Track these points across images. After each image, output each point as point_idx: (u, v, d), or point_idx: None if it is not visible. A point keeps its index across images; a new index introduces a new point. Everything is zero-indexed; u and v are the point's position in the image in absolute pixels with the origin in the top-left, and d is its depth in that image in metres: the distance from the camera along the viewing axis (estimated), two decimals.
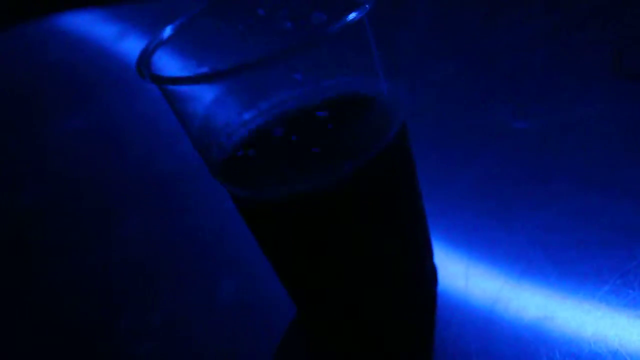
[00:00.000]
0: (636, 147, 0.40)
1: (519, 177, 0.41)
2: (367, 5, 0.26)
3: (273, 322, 0.37)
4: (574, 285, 0.33)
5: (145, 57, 0.29)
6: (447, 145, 0.32)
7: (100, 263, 0.47)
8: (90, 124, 0.68)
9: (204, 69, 0.31)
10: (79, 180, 0.58)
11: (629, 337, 0.30)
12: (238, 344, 0.37)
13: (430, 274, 0.36)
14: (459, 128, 0.46)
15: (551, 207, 0.38)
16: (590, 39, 0.52)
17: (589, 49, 0.51)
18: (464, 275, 0.35)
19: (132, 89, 0.71)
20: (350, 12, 0.26)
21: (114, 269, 0.46)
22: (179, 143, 0.58)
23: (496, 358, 0.31)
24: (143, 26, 0.84)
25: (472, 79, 0.53)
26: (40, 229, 0.54)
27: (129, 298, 0.43)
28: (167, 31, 0.31)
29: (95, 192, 0.56)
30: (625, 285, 0.32)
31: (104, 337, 0.41)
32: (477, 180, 0.42)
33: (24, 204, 0.58)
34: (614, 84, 0.46)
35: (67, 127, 0.68)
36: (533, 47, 0.54)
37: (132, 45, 0.81)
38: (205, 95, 0.29)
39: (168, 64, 0.30)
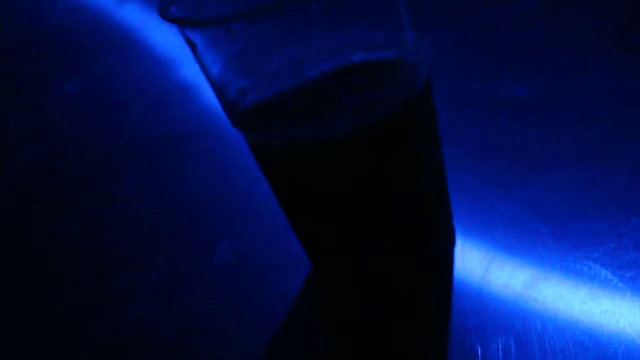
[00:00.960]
0: (635, 118, 0.41)
1: (518, 144, 0.42)
2: None
3: (271, 282, 0.38)
4: (569, 247, 0.34)
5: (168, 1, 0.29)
6: (447, 111, 0.32)
7: (96, 223, 0.47)
8: (87, 88, 0.67)
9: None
10: (76, 142, 0.58)
11: (621, 298, 0.30)
12: (235, 304, 0.37)
13: (449, 234, 0.36)
14: (459, 96, 0.46)
15: (548, 174, 0.38)
16: (592, 13, 0.52)
17: (591, 22, 0.51)
18: (460, 237, 0.36)
19: (129, 54, 0.70)
20: None
21: (110, 229, 0.47)
22: (175, 107, 0.59)
23: (490, 316, 0.31)
24: None
25: (472, 49, 0.53)
26: (37, 190, 0.54)
27: (126, 258, 0.43)
28: None
29: (92, 154, 0.56)
30: (620, 248, 0.33)
31: (101, 297, 0.41)
32: (477, 146, 0.42)
33: (21, 165, 0.58)
34: (615, 57, 0.47)
35: (64, 90, 0.68)
36: (535, 20, 0.54)
37: (131, 12, 0.81)
38: (224, 43, 0.29)
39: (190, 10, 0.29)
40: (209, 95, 0.32)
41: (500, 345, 0.30)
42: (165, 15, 0.28)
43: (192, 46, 0.29)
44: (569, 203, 0.36)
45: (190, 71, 0.62)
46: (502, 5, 0.57)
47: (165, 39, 0.70)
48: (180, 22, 0.28)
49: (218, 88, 0.30)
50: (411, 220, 0.33)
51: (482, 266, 0.34)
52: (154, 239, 0.44)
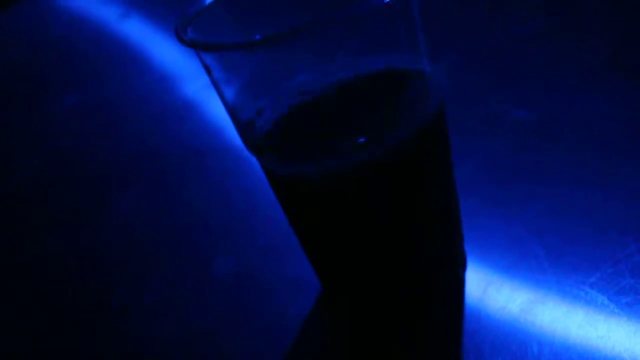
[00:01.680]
0: (633, 141, 0.41)
1: (518, 166, 0.42)
2: None
3: (267, 298, 0.38)
4: (566, 272, 0.34)
5: (185, 22, 0.29)
6: (450, 133, 0.32)
7: (94, 236, 0.48)
8: (88, 100, 0.68)
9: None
10: (76, 154, 0.59)
11: (617, 324, 0.31)
12: (232, 318, 0.38)
13: (460, 259, 0.35)
14: (461, 117, 0.47)
15: (548, 198, 0.39)
16: (591, 37, 0.53)
17: (590, 46, 0.52)
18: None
19: (130, 67, 0.71)
20: None
21: (108, 242, 0.47)
22: (174, 122, 0.59)
23: (488, 341, 0.32)
24: (145, 8, 0.84)
25: (475, 71, 0.54)
26: (37, 202, 0.54)
27: (123, 271, 0.44)
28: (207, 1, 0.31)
29: (91, 167, 0.56)
30: (616, 274, 0.33)
31: (98, 311, 0.41)
32: (478, 168, 0.42)
33: (22, 177, 0.58)
34: (613, 80, 0.47)
35: (65, 102, 0.68)
36: (535, 43, 0.55)
37: (132, 26, 0.81)
38: (242, 66, 0.29)
39: (206, 32, 0.30)
40: (209, 112, 0.32)
41: None
42: (184, 39, 0.27)
43: (208, 70, 0.29)
44: (567, 226, 0.37)
45: (190, 87, 0.62)
46: (504, 30, 0.58)
47: (166, 54, 0.70)
48: (199, 46, 0.27)
49: (234, 111, 0.30)
50: (425, 246, 0.33)
51: (480, 288, 0.34)
52: (151, 252, 0.44)
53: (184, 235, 0.45)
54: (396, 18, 0.27)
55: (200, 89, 0.60)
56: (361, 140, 0.28)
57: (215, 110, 0.56)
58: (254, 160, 0.32)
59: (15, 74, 0.80)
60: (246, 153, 0.31)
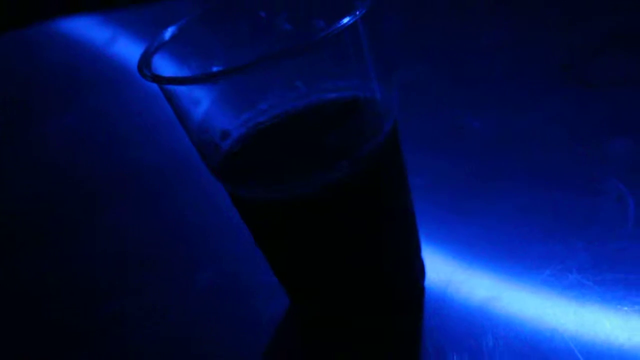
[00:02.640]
0: (579, 146, 0.41)
1: (474, 174, 0.42)
2: (358, 12, 0.26)
3: (250, 309, 0.38)
4: (519, 270, 0.34)
5: (147, 57, 0.29)
6: (408, 143, 0.32)
7: (86, 251, 0.47)
8: (82, 122, 0.68)
9: (202, 70, 0.31)
10: (69, 173, 0.59)
11: (566, 317, 0.31)
12: (214, 325, 0.38)
13: (419, 269, 0.35)
14: (420, 128, 0.47)
15: (502, 202, 0.39)
16: (543, 50, 0.53)
17: (542, 57, 0.52)
18: None
19: (122, 89, 0.71)
20: (345, 16, 0.25)
21: (100, 256, 0.47)
22: (164, 140, 0.59)
23: (448, 335, 0.32)
24: (134, 31, 0.84)
25: (435, 83, 0.54)
26: (30, 218, 0.54)
27: (112, 285, 0.43)
28: (168, 33, 0.30)
29: (84, 185, 0.56)
30: (565, 270, 0.33)
31: (87, 322, 0.41)
32: (436, 177, 0.42)
33: (16, 195, 0.58)
34: (563, 90, 0.47)
35: (60, 123, 0.68)
36: (492, 55, 0.55)
37: (123, 49, 0.81)
38: (203, 95, 0.28)
39: (168, 65, 0.30)
40: None
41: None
42: (145, 74, 0.27)
43: (170, 100, 0.29)
44: (521, 228, 0.37)
45: None
46: (459, 43, 0.58)
47: (167, 73, 0.70)
48: (159, 81, 0.27)
49: (195, 139, 0.30)
50: (384, 259, 0.32)
51: (441, 288, 0.34)
52: (139, 263, 0.44)
53: (169, 246, 0.45)
54: (345, 48, 0.27)
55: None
56: (314, 164, 0.28)
57: None
58: None
59: (12, 96, 0.79)
60: None
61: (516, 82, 0.51)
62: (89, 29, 0.91)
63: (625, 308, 0.30)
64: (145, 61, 0.28)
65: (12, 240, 0.51)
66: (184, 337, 0.37)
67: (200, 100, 0.28)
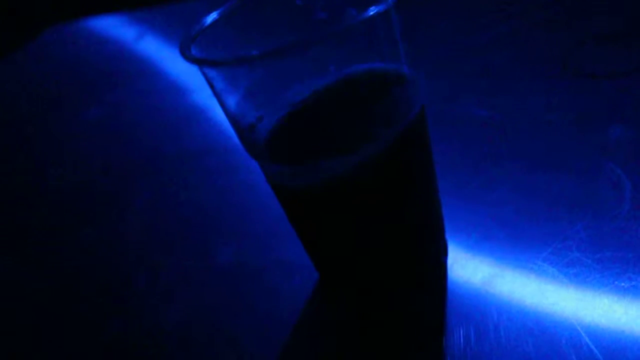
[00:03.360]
0: (578, 133, 0.41)
1: (478, 158, 0.42)
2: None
3: (266, 281, 0.38)
4: (522, 249, 0.34)
5: (188, 41, 0.28)
6: None
7: (115, 231, 0.48)
8: (108, 114, 0.68)
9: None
10: (96, 162, 0.59)
11: (566, 292, 0.31)
12: (234, 300, 0.38)
13: (442, 246, 0.35)
14: (430, 117, 0.47)
15: (504, 185, 0.39)
16: (543, 42, 0.53)
17: (542, 50, 0.52)
18: None
19: (145, 84, 0.71)
20: (377, 4, 0.25)
21: (127, 236, 0.47)
22: (183, 132, 0.59)
23: (454, 311, 0.32)
24: (158, 29, 0.84)
25: (441, 75, 0.54)
26: (63, 204, 0.54)
27: (140, 259, 0.44)
28: (209, 19, 0.30)
29: (110, 171, 0.57)
30: (565, 249, 0.33)
31: (121, 294, 0.41)
32: (441, 161, 0.42)
33: (52, 178, 0.58)
34: (562, 81, 0.47)
35: (87, 116, 0.69)
36: (495, 49, 0.55)
37: (148, 46, 0.81)
38: (241, 78, 0.28)
39: (208, 50, 0.29)
40: (214, 117, 0.32)
41: (461, 334, 0.30)
42: (186, 55, 0.27)
43: (210, 83, 0.29)
44: (523, 208, 0.37)
45: (198, 98, 0.62)
46: (464, 37, 0.58)
47: (177, 68, 0.70)
48: (200, 62, 0.27)
49: (235, 119, 0.30)
50: (412, 237, 0.32)
51: (448, 264, 0.34)
52: (164, 242, 0.45)
53: (191, 227, 0.45)
54: (377, 30, 0.27)
55: (206, 98, 0.60)
56: (350, 140, 0.28)
57: (219, 116, 0.56)
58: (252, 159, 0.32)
59: (44, 90, 0.80)
60: (244, 152, 0.31)
61: (517, 74, 0.50)
62: (116, 28, 0.91)
63: (623, 284, 0.30)
64: (186, 44, 0.28)
65: (51, 223, 0.52)
66: (206, 310, 0.37)
67: (238, 83, 0.28)
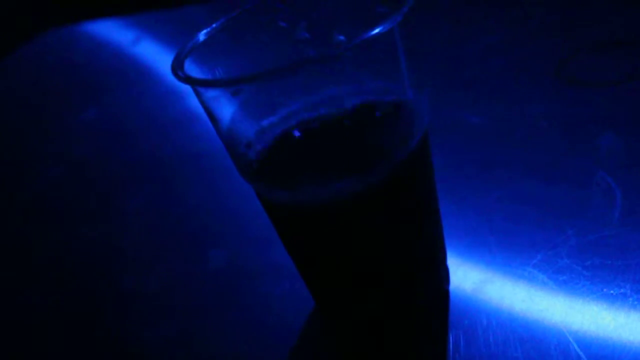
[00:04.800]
0: (570, 141, 0.41)
1: (470, 165, 0.42)
2: (397, 17, 0.24)
3: (256, 285, 0.38)
4: (512, 255, 0.34)
5: (180, 60, 0.27)
6: None
7: (109, 233, 0.48)
8: (104, 116, 0.68)
9: (234, 73, 0.29)
10: (93, 162, 0.59)
11: (556, 299, 0.31)
12: (225, 303, 0.38)
13: (443, 275, 0.33)
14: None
15: (496, 191, 0.39)
16: (537, 51, 0.53)
17: (536, 59, 0.52)
18: None
19: (141, 87, 0.71)
20: (381, 23, 0.23)
21: (121, 237, 0.47)
22: (178, 135, 0.59)
23: (443, 317, 0.32)
24: (156, 33, 0.84)
25: (436, 83, 0.54)
26: (58, 203, 0.54)
27: (132, 261, 0.44)
28: (198, 38, 0.29)
29: (106, 173, 0.56)
30: (555, 256, 0.33)
31: (109, 295, 0.41)
32: (437, 166, 0.42)
33: (47, 179, 0.58)
34: (555, 89, 0.47)
35: (84, 117, 0.68)
36: (489, 56, 0.55)
37: (145, 50, 0.81)
38: (233, 98, 0.27)
39: (196, 69, 0.28)
40: (208, 121, 0.32)
41: (451, 340, 0.30)
42: (178, 75, 0.26)
43: (201, 102, 0.28)
44: (513, 215, 0.37)
45: (194, 101, 0.62)
46: (459, 45, 0.58)
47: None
48: (191, 82, 0.26)
49: (228, 140, 0.29)
50: (412, 266, 0.31)
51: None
52: (157, 244, 0.45)
53: (185, 229, 0.45)
54: (380, 53, 0.25)
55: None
56: (346, 170, 0.26)
57: None
58: None
59: (42, 92, 0.80)
60: None
61: (511, 81, 0.50)
62: (113, 32, 0.91)
63: (612, 291, 0.30)
64: (178, 63, 0.27)
65: (44, 223, 0.52)
66: (198, 311, 0.37)
67: (231, 103, 0.27)
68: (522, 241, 0.35)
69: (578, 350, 0.28)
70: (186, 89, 0.64)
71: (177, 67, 0.27)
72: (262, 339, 0.34)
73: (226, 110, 0.27)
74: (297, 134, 0.29)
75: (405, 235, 0.29)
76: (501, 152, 0.42)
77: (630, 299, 0.30)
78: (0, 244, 0.51)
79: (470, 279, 0.33)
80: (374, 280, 0.30)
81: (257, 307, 0.36)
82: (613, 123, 0.42)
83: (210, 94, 0.27)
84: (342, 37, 0.30)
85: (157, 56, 0.78)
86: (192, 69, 0.28)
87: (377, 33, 0.23)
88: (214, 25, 0.30)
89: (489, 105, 0.48)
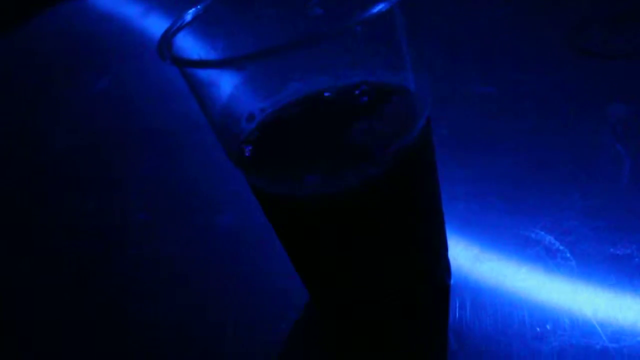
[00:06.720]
0: (580, 110, 0.42)
1: (483, 132, 0.42)
2: None
3: (267, 247, 0.38)
4: (521, 218, 0.34)
5: (167, 38, 0.25)
6: None
7: (115, 199, 0.48)
8: (111, 87, 0.68)
9: (228, 52, 0.27)
10: (100, 131, 0.60)
11: (563, 259, 0.31)
12: (235, 263, 0.38)
13: (445, 268, 0.32)
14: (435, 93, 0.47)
15: (506, 157, 0.39)
16: (549, 21, 0.53)
17: (548, 29, 0.52)
18: None
19: (147, 59, 0.71)
20: (380, 3, 0.22)
21: (127, 204, 0.48)
22: (181, 105, 0.59)
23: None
24: (165, 6, 0.85)
25: (447, 55, 0.54)
26: (69, 168, 0.55)
27: (142, 223, 0.45)
28: (192, 13, 0.27)
29: (113, 141, 0.57)
30: (562, 219, 0.33)
31: (116, 256, 0.42)
32: (445, 135, 0.42)
33: (60, 146, 0.59)
34: (568, 59, 0.47)
35: (92, 88, 0.69)
36: (501, 27, 0.55)
37: (153, 23, 0.81)
38: (226, 81, 0.25)
39: (190, 47, 0.27)
40: None
41: (457, 303, 0.31)
42: (165, 57, 0.24)
43: (190, 85, 0.25)
44: (522, 181, 0.37)
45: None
46: (471, 17, 0.58)
47: (180, 45, 0.70)
48: (182, 64, 0.23)
49: (217, 127, 0.27)
50: (412, 259, 0.29)
51: (453, 227, 0.34)
52: (164, 208, 0.45)
53: (191, 194, 0.46)
54: (381, 35, 0.24)
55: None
56: (344, 159, 0.25)
57: None
58: None
59: (52, 64, 0.80)
60: None
61: (521, 53, 0.51)
62: (123, 5, 0.91)
63: (618, 252, 0.31)
64: (165, 42, 0.25)
65: (58, 187, 0.53)
66: (204, 273, 0.38)
67: (221, 87, 0.25)
68: (530, 205, 0.35)
69: (584, 309, 0.29)
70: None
71: (163, 46, 0.25)
72: (270, 301, 0.35)
73: (217, 94, 0.25)
74: (290, 121, 0.27)
75: (406, 225, 0.28)
76: (511, 121, 0.43)
77: (636, 259, 0.30)
78: (8, 210, 0.52)
79: (478, 242, 0.34)
80: (374, 275, 0.29)
81: (258, 264, 0.37)
82: (623, 94, 0.42)
83: (198, 75, 0.25)
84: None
85: (165, 27, 0.78)
86: (191, 46, 0.26)
87: (375, 13, 0.22)
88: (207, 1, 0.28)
89: (499, 76, 0.48)
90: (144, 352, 0.34)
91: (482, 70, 0.50)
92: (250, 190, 0.29)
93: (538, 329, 0.28)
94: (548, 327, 0.28)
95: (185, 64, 0.24)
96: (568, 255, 0.31)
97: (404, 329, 0.30)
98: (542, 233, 0.33)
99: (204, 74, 0.24)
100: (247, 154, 0.26)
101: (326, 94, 0.27)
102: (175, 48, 0.25)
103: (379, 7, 0.22)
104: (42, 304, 0.40)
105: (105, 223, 0.46)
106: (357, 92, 0.26)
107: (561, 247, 0.32)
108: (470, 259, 0.33)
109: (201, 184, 0.47)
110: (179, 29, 0.26)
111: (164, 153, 0.53)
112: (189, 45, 0.26)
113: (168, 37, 0.25)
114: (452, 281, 0.32)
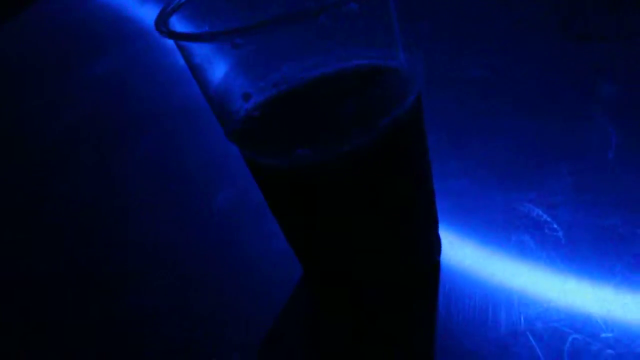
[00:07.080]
0: (571, 90, 0.42)
1: (475, 114, 0.43)
2: None
3: (259, 223, 0.39)
4: (511, 192, 0.35)
5: (164, 15, 0.26)
6: None
7: (117, 175, 0.49)
8: (108, 72, 0.69)
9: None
10: (98, 114, 0.60)
11: (550, 230, 0.32)
12: (233, 241, 0.39)
13: (435, 244, 0.33)
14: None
15: (498, 136, 0.40)
16: (541, 6, 0.54)
17: (540, 14, 0.53)
18: None
19: (144, 45, 0.72)
20: None
21: (128, 180, 0.49)
22: (178, 89, 0.60)
23: (442, 251, 0.33)
24: None
25: (441, 39, 0.54)
26: (69, 150, 0.56)
27: (143, 205, 0.45)
28: None
29: (111, 124, 0.58)
30: (550, 193, 0.34)
31: (120, 235, 0.43)
32: (435, 116, 0.43)
33: (58, 128, 0.59)
34: (561, 44, 0.48)
35: (89, 73, 0.70)
36: (495, 12, 0.56)
37: (149, 9, 0.82)
38: (222, 59, 0.26)
39: (188, 27, 0.27)
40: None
41: (447, 274, 0.32)
42: (162, 30, 0.24)
43: (187, 60, 0.26)
44: (513, 157, 0.38)
45: None
46: (462, 4, 0.59)
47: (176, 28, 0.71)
48: (178, 37, 0.24)
49: (214, 102, 0.27)
50: (402, 233, 0.30)
51: (447, 206, 0.35)
52: (163, 187, 0.46)
53: (190, 173, 0.47)
54: (372, 13, 0.24)
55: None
56: (333, 132, 0.25)
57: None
58: None
59: (50, 50, 0.81)
60: None
61: (516, 36, 0.51)
62: None
63: (604, 223, 0.32)
64: (162, 18, 0.25)
65: (58, 165, 0.53)
66: (205, 247, 0.39)
67: (218, 63, 0.26)
68: (520, 180, 0.36)
69: (570, 277, 0.30)
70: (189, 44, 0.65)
71: (160, 22, 0.25)
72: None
73: (213, 70, 0.26)
74: (284, 96, 0.28)
75: (395, 197, 0.28)
76: (503, 102, 0.43)
77: (620, 229, 0.31)
78: (6, 195, 0.52)
79: (472, 215, 0.35)
80: (361, 246, 0.29)
81: (256, 243, 0.38)
82: (615, 75, 0.43)
83: (195, 51, 0.25)
84: None
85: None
86: (186, 26, 0.27)
87: None
88: None
89: (493, 58, 0.49)
90: (145, 334, 0.35)
91: (475, 53, 0.51)
92: (246, 165, 0.29)
93: (527, 296, 0.29)
94: (537, 294, 0.29)
95: (180, 38, 0.24)
96: (555, 226, 0.32)
97: (392, 303, 0.31)
98: (531, 206, 0.34)
99: (200, 50, 0.25)
100: (242, 129, 0.27)
101: (320, 72, 0.28)
102: (172, 24, 0.26)
103: None
104: (40, 288, 0.40)
105: (103, 206, 0.47)
106: (349, 69, 0.27)
107: (548, 219, 0.33)
108: (460, 234, 0.34)
109: (198, 166, 0.48)
110: (175, 8, 0.27)
111: (160, 135, 0.53)
112: (185, 26, 0.27)
113: (165, 14, 0.26)
114: (441, 256, 0.33)
